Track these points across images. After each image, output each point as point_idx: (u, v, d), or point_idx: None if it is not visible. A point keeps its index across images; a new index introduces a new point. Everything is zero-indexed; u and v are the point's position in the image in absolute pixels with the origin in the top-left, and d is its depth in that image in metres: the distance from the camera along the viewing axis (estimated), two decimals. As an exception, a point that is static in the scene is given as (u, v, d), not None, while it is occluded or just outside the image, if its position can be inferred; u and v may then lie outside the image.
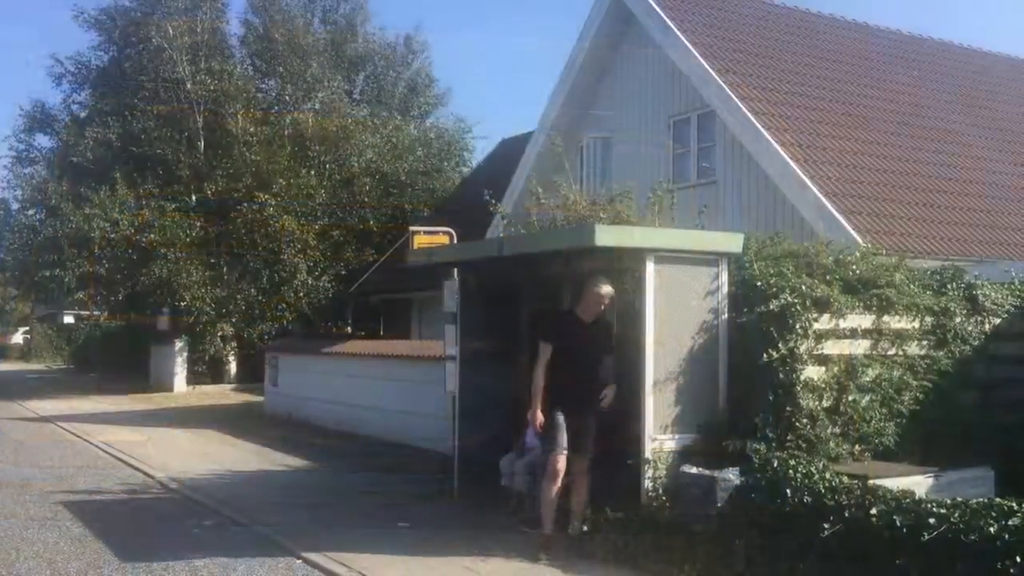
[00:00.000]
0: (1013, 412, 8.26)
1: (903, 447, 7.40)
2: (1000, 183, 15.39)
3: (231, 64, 28.77)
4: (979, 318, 8.20)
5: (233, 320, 25.21)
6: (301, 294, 25.19)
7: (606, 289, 7.18)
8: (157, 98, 27.42)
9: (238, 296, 24.78)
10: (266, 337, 24.83)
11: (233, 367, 27.17)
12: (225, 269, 25.50)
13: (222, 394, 24.17)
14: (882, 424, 7.38)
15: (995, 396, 8.26)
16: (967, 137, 16.39)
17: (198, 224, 25.39)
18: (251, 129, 25.99)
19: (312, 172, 26.59)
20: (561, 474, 7.06)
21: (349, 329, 27.73)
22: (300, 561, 7.11)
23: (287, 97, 29.53)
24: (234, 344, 26.50)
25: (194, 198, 26.89)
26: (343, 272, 26.47)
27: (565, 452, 7.04)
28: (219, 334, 25.34)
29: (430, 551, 7.26)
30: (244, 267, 25.38)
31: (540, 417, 7.02)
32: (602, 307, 7.22)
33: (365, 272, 26.61)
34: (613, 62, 17.32)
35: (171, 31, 27.28)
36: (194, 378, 25.69)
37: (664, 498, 6.90)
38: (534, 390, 7.10)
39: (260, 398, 19.64)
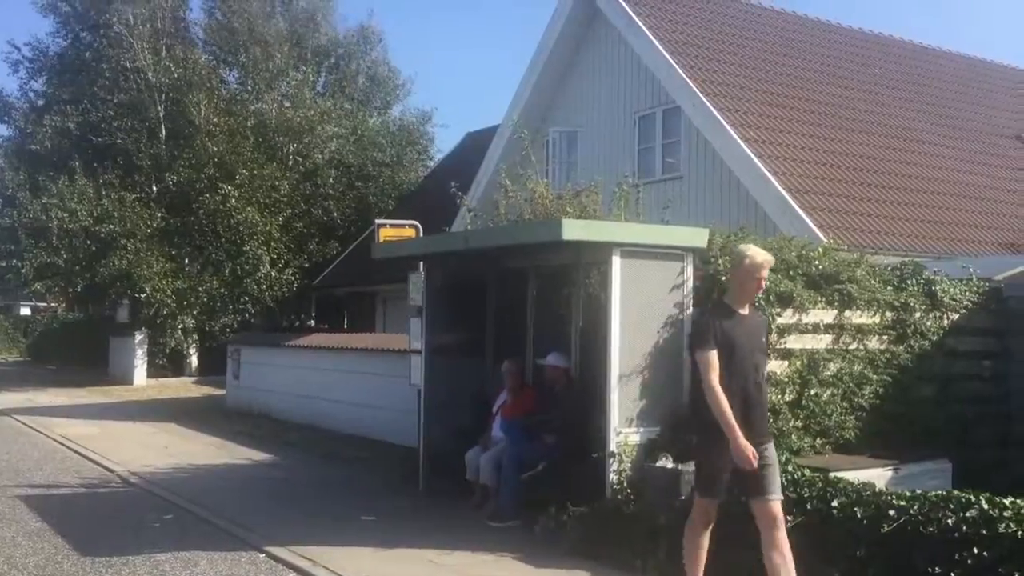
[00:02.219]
0: (970, 406, 8.42)
1: (864, 440, 7.51)
2: (957, 180, 15.65)
3: (194, 53, 28.40)
4: (938, 313, 8.34)
5: (194, 312, 24.93)
6: (264, 287, 24.98)
7: (763, 256, 5.34)
8: (117, 86, 27.02)
9: (200, 288, 24.50)
10: (228, 330, 24.59)
11: (194, 360, 26.89)
12: (187, 261, 25.22)
13: (183, 387, 23.89)
14: (843, 418, 7.48)
15: (953, 390, 8.40)
16: (926, 135, 16.64)
17: (159, 215, 25.09)
18: (214, 119, 25.68)
19: (276, 163, 26.36)
20: (711, 522, 5.49)
21: (313, 322, 27.57)
22: (263, 555, 7.05)
23: (250, 87, 29.23)
24: (195, 337, 26.21)
25: (155, 188, 26.54)
26: (307, 265, 26.29)
27: (719, 497, 5.39)
28: (180, 326, 25.03)
29: (395, 544, 7.24)
30: (206, 259, 25.11)
31: (750, 450, 5.06)
32: (762, 286, 5.49)
33: (329, 265, 26.45)
34: (579, 57, 17.35)
35: (131, 18, 26.87)
36: (155, 371, 25.37)
37: (629, 491, 6.93)
38: (724, 413, 5.09)
39: (222, 391, 19.43)
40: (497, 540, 7.23)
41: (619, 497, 6.94)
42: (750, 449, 5.04)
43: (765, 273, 5.38)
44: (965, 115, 18.14)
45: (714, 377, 5.16)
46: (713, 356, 5.20)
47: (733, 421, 5.06)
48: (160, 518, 8.44)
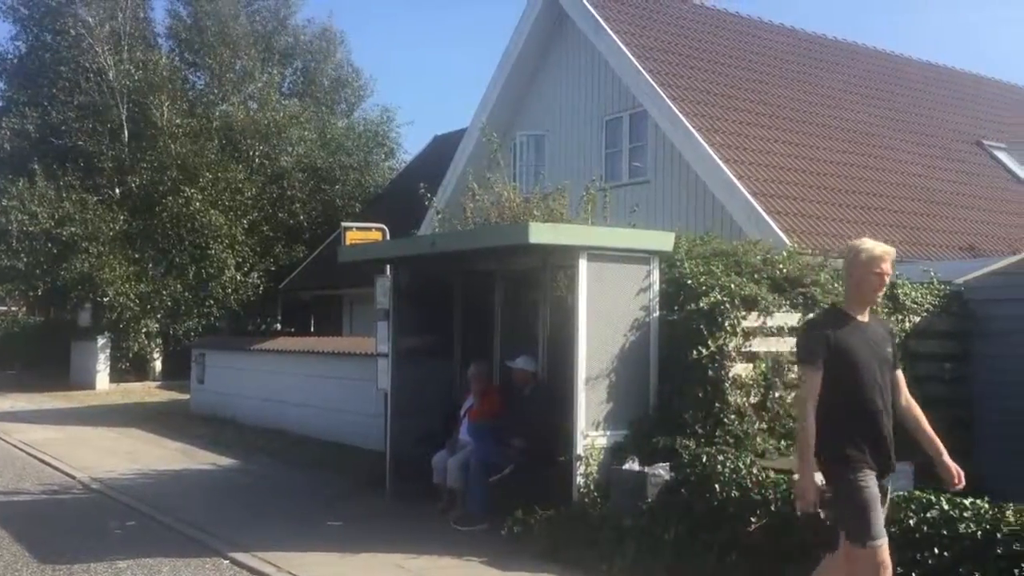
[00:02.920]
0: (930, 408, 8.51)
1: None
2: (919, 185, 15.88)
3: (156, 54, 28.09)
4: (900, 316, 8.45)
5: (158, 316, 24.66)
6: (229, 290, 24.75)
7: (882, 248, 4.53)
8: (78, 88, 26.63)
9: (163, 292, 24.24)
10: (193, 334, 24.33)
11: (158, 364, 26.56)
12: (150, 264, 24.92)
13: (147, 392, 23.59)
14: (807, 420, 7.54)
15: (914, 393, 8.49)
16: (888, 140, 16.86)
17: (122, 218, 24.78)
18: (177, 121, 25.44)
19: (241, 166, 26.13)
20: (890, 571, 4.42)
21: (279, 326, 27.36)
22: (227, 561, 6.98)
23: (216, 89, 28.96)
24: (159, 341, 25.91)
25: (117, 191, 26.21)
26: (273, 268, 26.09)
27: (885, 538, 4.38)
28: (143, 330, 24.73)
29: (361, 549, 7.20)
30: (170, 262, 24.84)
31: (811, 491, 4.37)
32: (885, 282, 4.59)
33: (296, 268, 26.26)
34: (547, 61, 17.39)
35: (91, 20, 26.52)
36: (118, 375, 25.02)
37: (596, 494, 6.95)
38: (805, 445, 4.39)
39: (186, 396, 19.20)
40: (464, 544, 7.21)
41: (586, 500, 6.95)
42: (812, 494, 4.34)
43: (887, 267, 4.52)
44: (925, 120, 18.42)
45: (811, 405, 4.35)
46: (817, 377, 4.39)
47: (811, 456, 4.34)
48: (122, 524, 8.33)
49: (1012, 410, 8.15)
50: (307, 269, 25.88)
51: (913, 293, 8.59)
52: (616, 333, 7.32)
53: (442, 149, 23.80)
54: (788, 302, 7.71)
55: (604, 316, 7.25)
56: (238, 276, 24.85)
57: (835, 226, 13.39)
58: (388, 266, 9.39)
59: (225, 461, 12.07)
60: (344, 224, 14.55)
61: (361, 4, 65.64)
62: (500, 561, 6.78)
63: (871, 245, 4.54)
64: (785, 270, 7.87)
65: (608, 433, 7.21)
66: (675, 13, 17.71)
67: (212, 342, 20.37)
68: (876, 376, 4.44)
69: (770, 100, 16.04)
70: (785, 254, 8.24)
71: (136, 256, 24.63)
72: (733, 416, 7.11)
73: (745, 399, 7.25)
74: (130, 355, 25.17)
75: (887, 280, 4.58)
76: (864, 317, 4.58)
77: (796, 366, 4.55)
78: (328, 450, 12.48)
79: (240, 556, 7.02)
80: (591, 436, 7.13)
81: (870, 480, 4.32)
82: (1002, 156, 18.46)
